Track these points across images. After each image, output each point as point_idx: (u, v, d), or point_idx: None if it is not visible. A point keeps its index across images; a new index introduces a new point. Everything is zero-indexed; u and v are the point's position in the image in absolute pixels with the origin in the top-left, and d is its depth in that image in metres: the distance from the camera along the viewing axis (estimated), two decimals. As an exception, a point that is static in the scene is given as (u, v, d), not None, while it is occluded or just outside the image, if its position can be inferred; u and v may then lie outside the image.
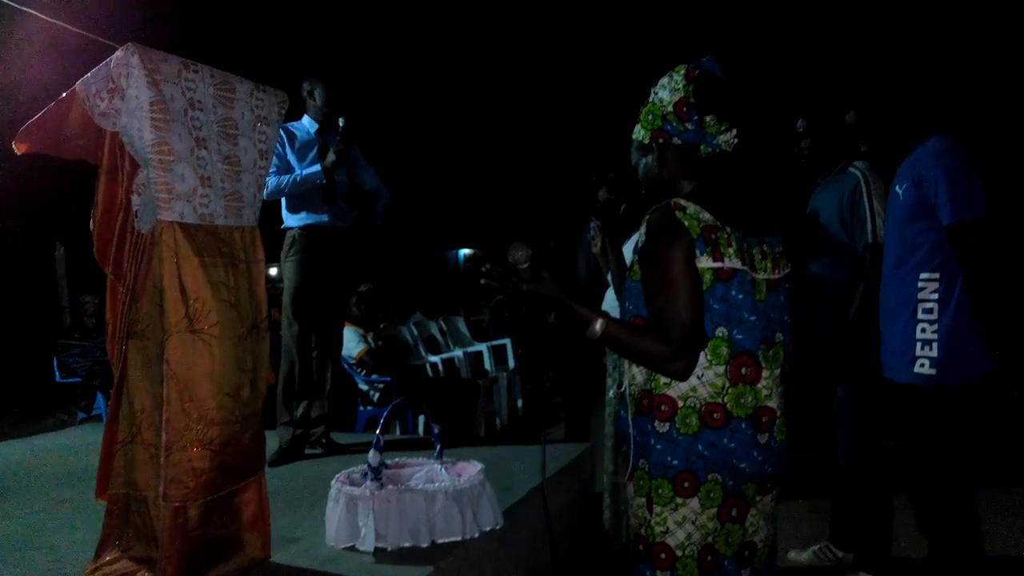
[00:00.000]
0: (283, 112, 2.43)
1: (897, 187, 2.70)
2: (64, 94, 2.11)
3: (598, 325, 1.68)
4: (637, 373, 1.74)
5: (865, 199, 3.21)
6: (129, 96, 1.99)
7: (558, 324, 4.67)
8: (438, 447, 2.56)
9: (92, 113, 2.04)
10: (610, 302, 3.57)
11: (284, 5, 10.99)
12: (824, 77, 10.71)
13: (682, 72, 1.76)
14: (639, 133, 1.83)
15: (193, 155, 2.11)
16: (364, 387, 6.06)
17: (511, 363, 8.08)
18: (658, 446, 1.69)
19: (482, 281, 1.76)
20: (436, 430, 2.56)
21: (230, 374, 2.14)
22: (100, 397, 6.53)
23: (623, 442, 1.79)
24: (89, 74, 2.05)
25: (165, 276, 2.03)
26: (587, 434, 4.44)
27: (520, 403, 7.83)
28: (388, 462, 2.51)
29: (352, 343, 6.12)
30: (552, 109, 14.92)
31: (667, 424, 1.68)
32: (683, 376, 1.65)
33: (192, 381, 2.05)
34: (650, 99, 1.81)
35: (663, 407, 1.68)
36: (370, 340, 6.20)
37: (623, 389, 1.79)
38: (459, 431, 5.48)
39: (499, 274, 1.76)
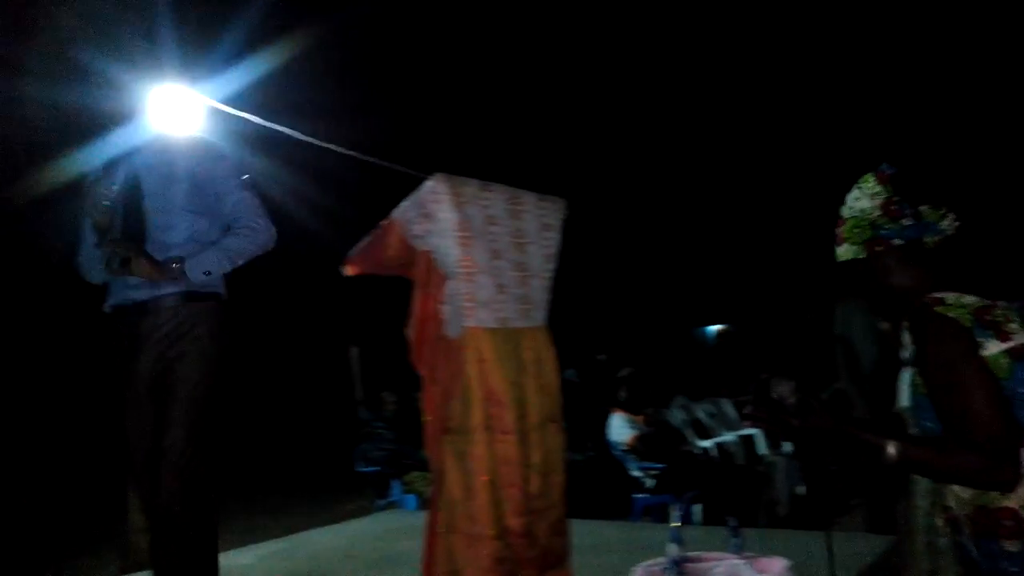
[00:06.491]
0: (564, 218, 2.62)
1: None
2: (383, 222, 2.44)
3: (892, 449, 1.51)
4: (960, 491, 1.57)
5: None
6: (438, 219, 2.27)
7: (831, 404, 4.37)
8: (737, 540, 2.48)
9: (408, 236, 2.34)
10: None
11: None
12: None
13: (871, 180, 1.68)
14: (849, 252, 1.70)
15: (491, 265, 2.34)
16: (637, 474, 6.03)
17: (787, 446, 7.64)
18: (1012, 569, 1.50)
19: (746, 423, 1.71)
20: (733, 523, 2.50)
21: (517, 469, 2.30)
22: (394, 484, 7.09)
23: (968, 573, 1.61)
24: (405, 202, 2.36)
25: (472, 377, 2.25)
26: (892, 525, 4.04)
27: (802, 490, 7.34)
28: (686, 555, 2.48)
29: (622, 429, 6.16)
30: (803, 182, 14.40)
31: (1018, 542, 1.49)
32: (1010, 486, 1.46)
33: (489, 475, 2.24)
34: (845, 216, 1.71)
35: (1007, 522, 1.49)
36: (640, 425, 6.20)
37: (950, 514, 1.61)
38: (740, 520, 5.26)
39: (767, 414, 1.69)
